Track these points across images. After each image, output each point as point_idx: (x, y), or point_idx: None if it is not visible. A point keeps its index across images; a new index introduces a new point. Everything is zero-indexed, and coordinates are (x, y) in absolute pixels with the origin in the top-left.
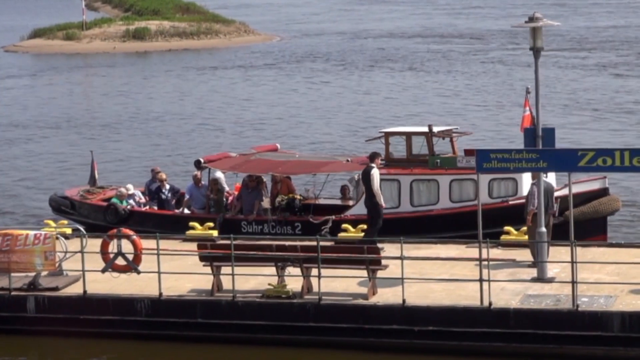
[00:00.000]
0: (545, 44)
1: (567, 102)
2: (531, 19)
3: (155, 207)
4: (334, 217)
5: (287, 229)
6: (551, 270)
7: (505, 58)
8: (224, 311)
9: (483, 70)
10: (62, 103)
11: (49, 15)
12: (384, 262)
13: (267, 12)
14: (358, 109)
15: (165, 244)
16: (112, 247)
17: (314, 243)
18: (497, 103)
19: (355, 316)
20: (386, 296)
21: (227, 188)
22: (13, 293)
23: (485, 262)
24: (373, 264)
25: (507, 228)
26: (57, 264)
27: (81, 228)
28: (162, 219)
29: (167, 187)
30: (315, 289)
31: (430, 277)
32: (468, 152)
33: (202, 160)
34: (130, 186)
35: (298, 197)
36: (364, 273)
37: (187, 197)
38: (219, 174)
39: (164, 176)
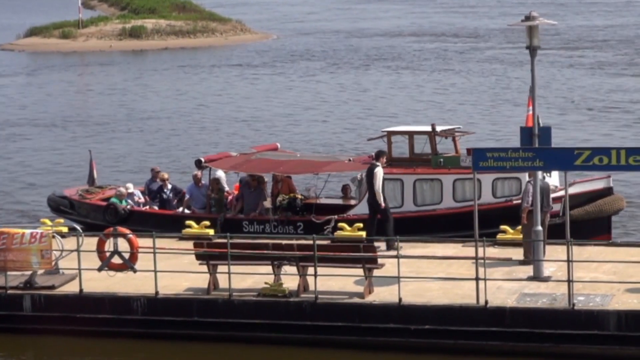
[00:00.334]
0: (542, 42)
1: (564, 101)
2: (527, 18)
3: (156, 207)
4: (336, 216)
5: (289, 229)
6: (547, 269)
7: (502, 57)
8: (220, 310)
9: (479, 69)
10: (58, 101)
11: (45, 14)
12: (380, 260)
13: (263, 11)
14: (354, 107)
15: (161, 242)
16: (109, 245)
17: (310, 242)
18: (493, 102)
19: (351, 315)
20: (382, 295)
21: (226, 188)
22: (9, 292)
23: (482, 261)
24: (369, 262)
25: (503, 227)
26: (53, 263)
27: (77, 227)
28: (162, 219)
29: (169, 186)
30: (311, 287)
31: (427, 275)
32: (471, 152)
33: (202, 160)
34: (130, 185)
35: (299, 196)
36: (360, 272)
37: (187, 196)
38: (220, 174)
39: (165, 176)
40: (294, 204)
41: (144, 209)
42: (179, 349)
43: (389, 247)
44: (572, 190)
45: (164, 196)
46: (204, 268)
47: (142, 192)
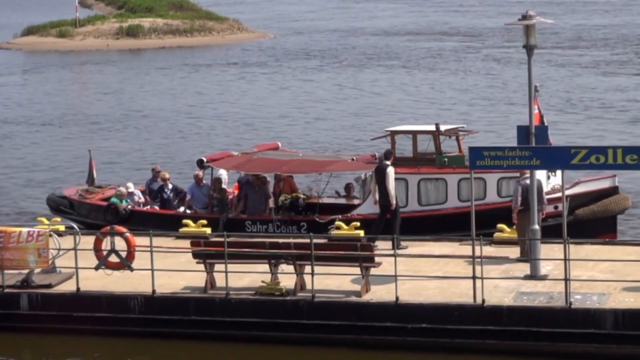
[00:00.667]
0: (539, 41)
1: (561, 100)
2: (524, 17)
3: (157, 207)
4: (340, 216)
5: (293, 229)
6: (544, 268)
7: (500, 55)
8: (217, 308)
9: (477, 68)
10: (55, 100)
11: (42, 13)
12: (377, 259)
13: (260, 10)
14: (351, 106)
15: (158, 241)
16: (106, 244)
17: (307, 240)
18: (489, 100)
19: (348, 313)
20: (379, 293)
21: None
22: (6, 290)
23: (479, 260)
24: (366, 261)
25: (500, 225)
26: (50, 261)
27: (75, 225)
28: (163, 219)
29: (170, 186)
30: (308, 286)
31: (424, 274)
32: None
33: (204, 160)
34: (130, 185)
35: (302, 196)
36: (358, 270)
37: (188, 196)
38: (221, 173)
39: (167, 175)
40: (296, 204)
41: (145, 208)
42: (176, 347)
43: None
44: (578, 189)
45: (165, 196)
46: (201, 267)
47: (143, 192)
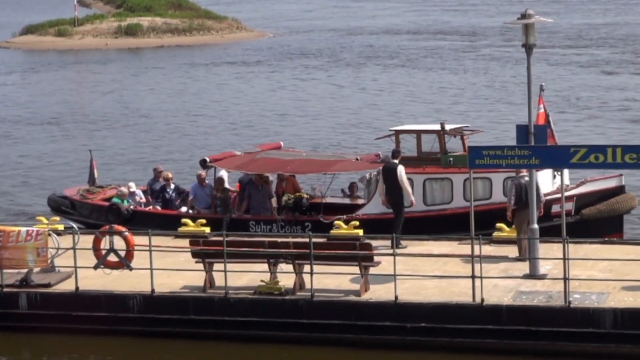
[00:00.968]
0: (540, 41)
1: (561, 99)
2: (523, 16)
3: (159, 207)
4: (345, 216)
5: (297, 229)
6: (543, 267)
7: (499, 55)
8: (216, 308)
9: (476, 67)
10: (53, 100)
11: (41, 12)
12: (376, 258)
13: (259, 9)
14: (351, 106)
15: (157, 240)
16: (104, 243)
17: (306, 239)
18: (488, 99)
19: (347, 313)
20: (378, 293)
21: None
22: (5, 290)
23: (478, 259)
24: (365, 260)
25: (499, 225)
26: (49, 261)
27: (74, 225)
28: (166, 219)
29: (172, 186)
30: (307, 285)
31: (423, 273)
32: None
33: (207, 160)
34: (132, 184)
35: (305, 195)
36: (357, 270)
37: (191, 196)
38: (223, 173)
39: (169, 175)
40: (300, 204)
41: (147, 209)
42: (175, 346)
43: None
44: (584, 189)
45: (167, 196)
46: (200, 266)
47: (144, 192)
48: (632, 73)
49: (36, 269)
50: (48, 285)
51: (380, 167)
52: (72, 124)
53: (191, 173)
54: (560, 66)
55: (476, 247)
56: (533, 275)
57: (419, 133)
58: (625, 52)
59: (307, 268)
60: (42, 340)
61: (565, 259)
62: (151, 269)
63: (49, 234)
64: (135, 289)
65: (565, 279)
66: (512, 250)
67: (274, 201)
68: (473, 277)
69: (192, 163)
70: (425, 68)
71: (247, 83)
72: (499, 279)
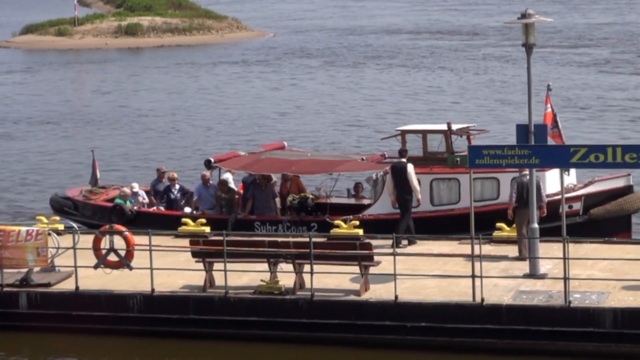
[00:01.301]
0: (541, 40)
1: (561, 99)
2: (523, 15)
3: (162, 208)
4: (351, 217)
5: (303, 230)
6: (543, 267)
7: (500, 54)
8: (217, 307)
9: (477, 67)
10: (53, 99)
11: (41, 11)
12: (376, 258)
13: (259, 8)
14: (351, 105)
15: (157, 240)
16: (104, 243)
17: (307, 239)
18: (487, 99)
19: (347, 312)
20: (378, 292)
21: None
22: (5, 289)
23: (478, 258)
24: (365, 260)
25: (499, 224)
26: (49, 260)
27: (74, 224)
28: (170, 220)
29: (177, 187)
30: (307, 285)
31: (423, 273)
32: None
33: (212, 160)
34: (135, 185)
35: (310, 196)
36: (357, 269)
37: (195, 197)
38: (227, 175)
39: (175, 175)
40: (305, 204)
41: (151, 209)
42: (175, 346)
43: (397, 245)
44: (592, 188)
45: (172, 196)
46: (200, 265)
47: (147, 193)
48: (632, 73)
49: (36, 269)
50: (48, 285)
51: (388, 167)
52: (72, 123)
53: (191, 173)
54: (560, 66)
55: (476, 247)
56: (533, 274)
57: (425, 133)
58: (626, 52)
59: (307, 268)
60: (42, 339)
61: (565, 258)
62: (151, 269)
63: (49, 234)
64: (135, 288)
65: (566, 279)
66: (512, 250)
67: (277, 201)
68: (473, 276)
69: (192, 163)
70: (425, 68)
71: (247, 83)
72: (499, 279)
